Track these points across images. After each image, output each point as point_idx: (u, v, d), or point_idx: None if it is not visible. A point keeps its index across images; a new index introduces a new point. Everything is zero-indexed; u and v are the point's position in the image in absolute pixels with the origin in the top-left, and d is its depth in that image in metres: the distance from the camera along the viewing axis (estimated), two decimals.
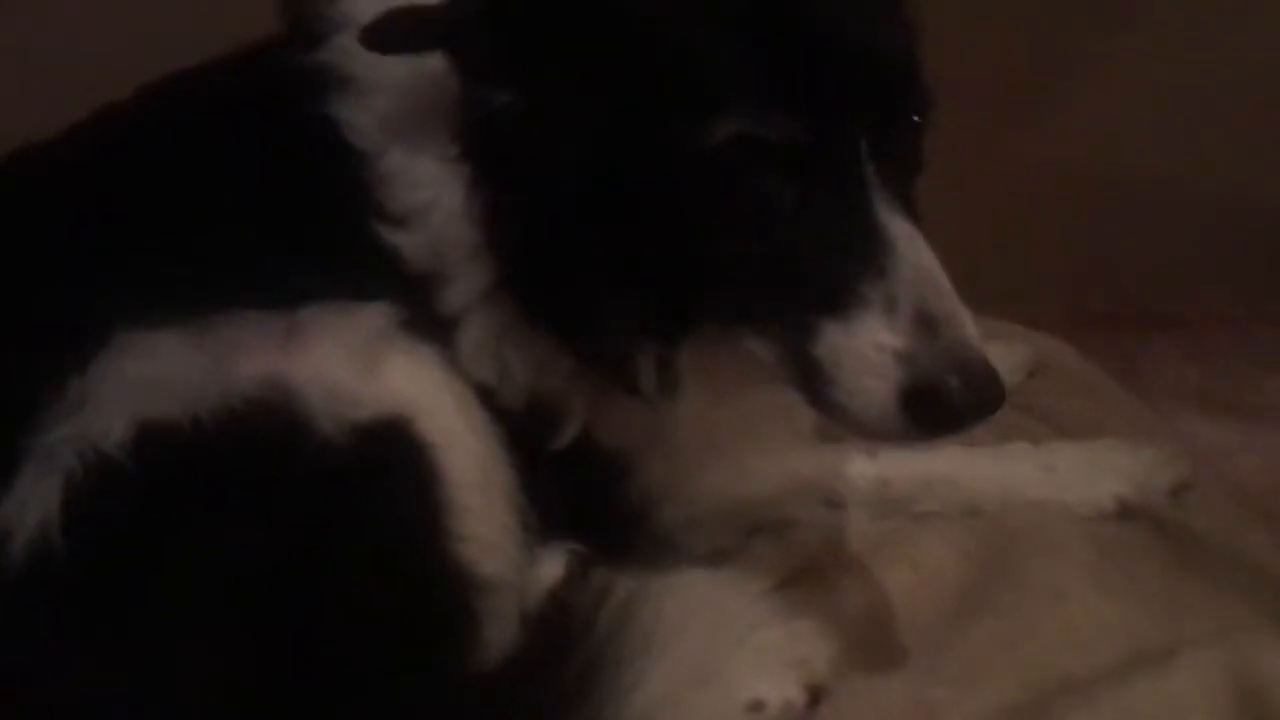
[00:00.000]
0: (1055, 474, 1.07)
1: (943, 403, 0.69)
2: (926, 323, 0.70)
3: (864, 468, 1.04)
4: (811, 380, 0.73)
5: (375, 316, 0.79)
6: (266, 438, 0.73)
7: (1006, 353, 1.24)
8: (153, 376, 0.72)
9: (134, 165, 0.83)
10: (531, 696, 0.76)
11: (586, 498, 0.90)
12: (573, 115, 0.74)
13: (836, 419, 0.74)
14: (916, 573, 0.99)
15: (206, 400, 0.72)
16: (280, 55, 0.85)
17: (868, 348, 0.70)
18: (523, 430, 0.84)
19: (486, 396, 0.83)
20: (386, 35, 0.75)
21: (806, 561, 1.00)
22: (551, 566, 0.89)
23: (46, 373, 0.71)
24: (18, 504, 0.68)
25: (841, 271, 0.71)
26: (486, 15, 0.75)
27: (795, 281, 0.73)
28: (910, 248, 0.72)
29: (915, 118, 0.78)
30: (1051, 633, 0.92)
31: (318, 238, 0.82)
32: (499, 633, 0.79)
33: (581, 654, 0.77)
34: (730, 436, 0.95)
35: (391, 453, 0.76)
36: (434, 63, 0.77)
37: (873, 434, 0.74)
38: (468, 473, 0.78)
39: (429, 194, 0.81)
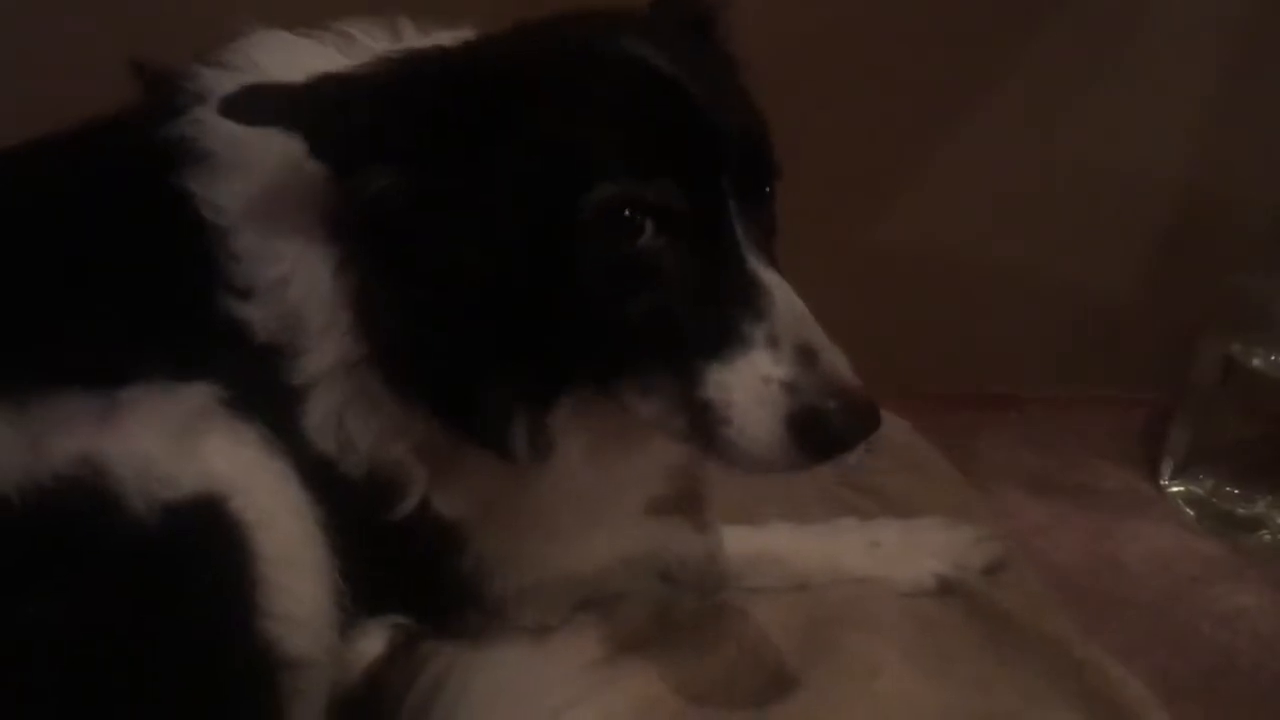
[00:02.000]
0: (880, 550, 1.12)
1: (826, 427, 0.74)
2: (806, 355, 0.76)
3: (694, 543, 1.07)
4: (701, 424, 0.77)
5: (197, 395, 0.80)
6: (76, 515, 0.74)
7: None
8: None
9: None
10: None
11: (419, 569, 0.92)
12: (459, 195, 0.78)
13: (728, 458, 0.78)
14: (739, 647, 1.03)
15: (15, 477, 0.73)
16: (139, 126, 0.86)
17: (755, 381, 0.75)
18: (361, 500, 0.86)
19: (327, 466, 0.84)
20: (245, 108, 0.77)
21: (634, 635, 1.03)
22: (372, 642, 0.91)
23: None
24: None
25: (722, 317, 0.77)
26: (342, 101, 0.77)
27: (679, 332, 0.77)
28: (782, 292, 0.78)
29: (768, 187, 0.85)
30: (863, 709, 0.95)
31: (156, 312, 0.83)
32: (305, 713, 0.80)
33: None
34: (564, 510, 0.97)
35: (203, 531, 0.77)
36: (295, 143, 0.79)
37: (765, 465, 0.77)
38: (281, 551, 0.79)
39: (284, 269, 0.83)
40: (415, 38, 0.94)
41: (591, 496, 0.97)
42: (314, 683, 0.81)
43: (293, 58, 0.88)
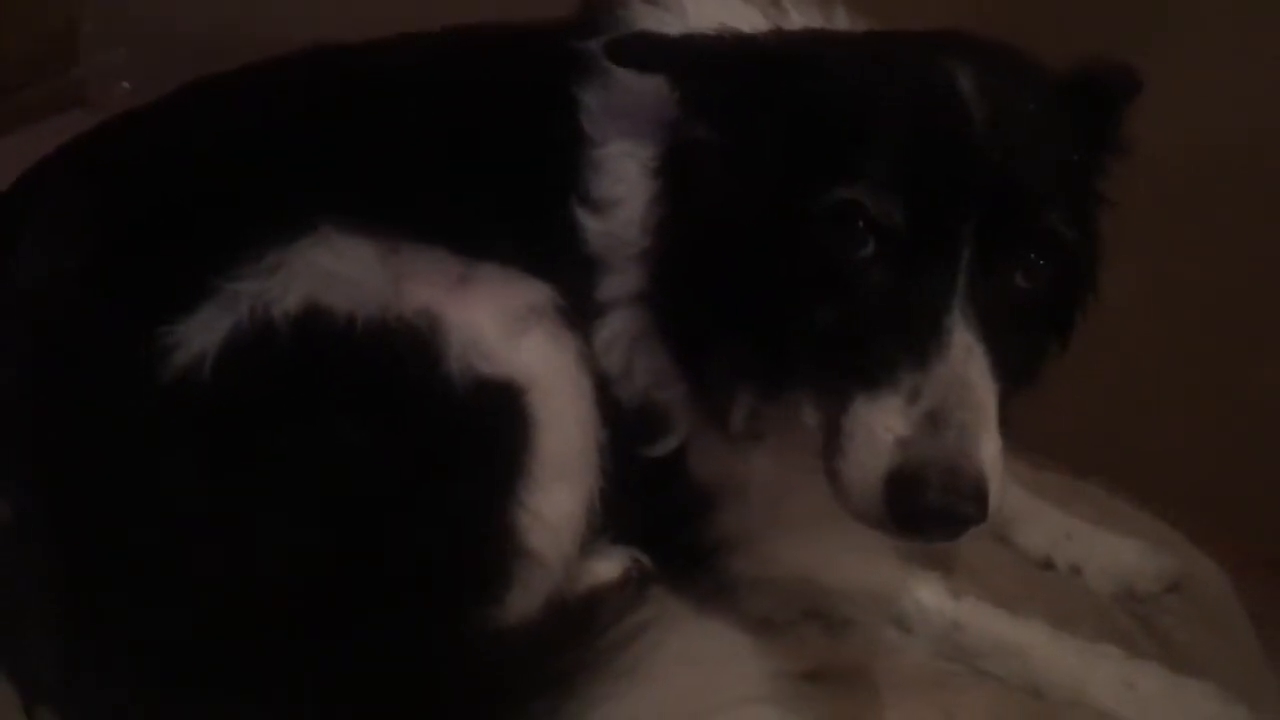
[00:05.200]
0: (1134, 693, 1.03)
1: (918, 495, 0.71)
2: (936, 422, 0.72)
3: (943, 603, 1.04)
4: (830, 447, 0.77)
5: (536, 293, 0.89)
6: (402, 356, 0.83)
7: (1150, 557, 1.20)
8: (336, 271, 0.83)
9: (403, 90, 0.96)
10: (518, 668, 0.83)
11: (668, 520, 0.97)
12: (743, 162, 0.83)
13: (834, 488, 0.77)
14: (940, 716, 1.00)
15: (369, 306, 0.83)
16: (563, 34, 0.96)
17: (878, 426, 0.73)
18: (628, 429, 0.92)
19: (606, 386, 0.91)
20: (625, 52, 0.87)
21: (848, 664, 1.03)
22: (609, 566, 0.96)
23: (257, 236, 0.83)
24: (192, 327, 0.81)
25: (889, 353, 0.75)
26: (709, 62, 0.84)
27: (851, 352, 0.77)
28: (961, 356, 0.74)
29: (1034, 256, 0.79)
30: None
31: (523, 202, 0.93)
32: (522, 601, 0.87)
33: (580, 652, 0.83)
34: (825, 520, 0.98)
35: (499, 411, 0.85)
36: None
37: (857, 513, 0.76)
38: (556, 455, 0.86)
39: (623, 191, 0.91)
40: (841, 20, 0.98)
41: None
42: (540, 580, 0.87)
43: (718, 10, 0.94)
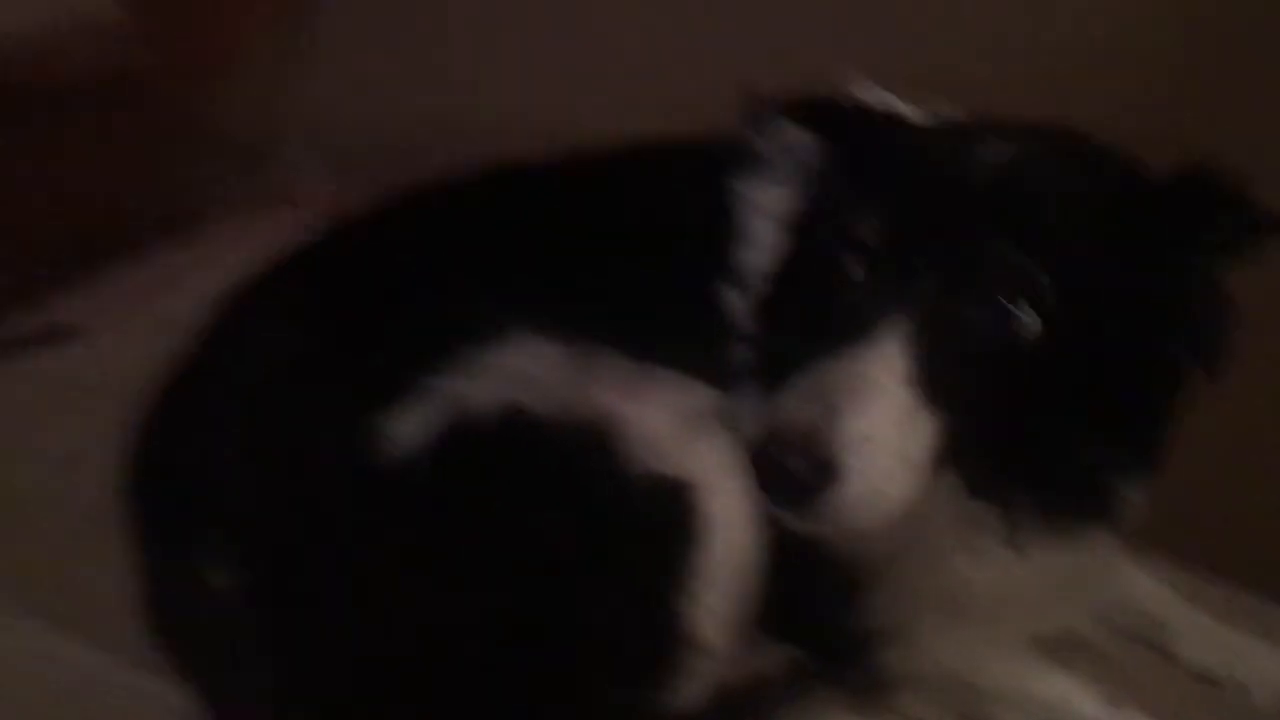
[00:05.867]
0: None
1: (764, 456, 0.80)
2: (809, 395, 0.80)
3: (1100, 713, 1.04)
4: None
5: (704, 398, 0.95)
6: (586, 454, 0.90)
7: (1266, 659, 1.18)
8: (527, 372, 0.91)
9: (582, 207, 1.05)
10: None
11: (819, 610, 1.00)
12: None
13: None
14: None
15: (558, 406, 0.90)
16: (727, 137, 1.03)
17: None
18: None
19: None
20: (799, 110, 0.96)
21: None
22: (768, 661, 1.01)
23: (459, 341, 0.92)
24: (404, 422, 0.89)
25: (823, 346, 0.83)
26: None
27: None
28: (869, 354, 0.80)
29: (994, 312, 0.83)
30: None
31: (691, 299, 1.00)
32: (691, 688, 0.91)
33: None
34: (975, 611, 1.00)
35: (672, 508, 0.90)
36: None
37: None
38: (724, 551, 0.91)
39: (760, 262, 0.99)
40: None
41: (1015, 613, 1.00)
42: (706, 669, 0.92)
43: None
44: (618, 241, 1.02)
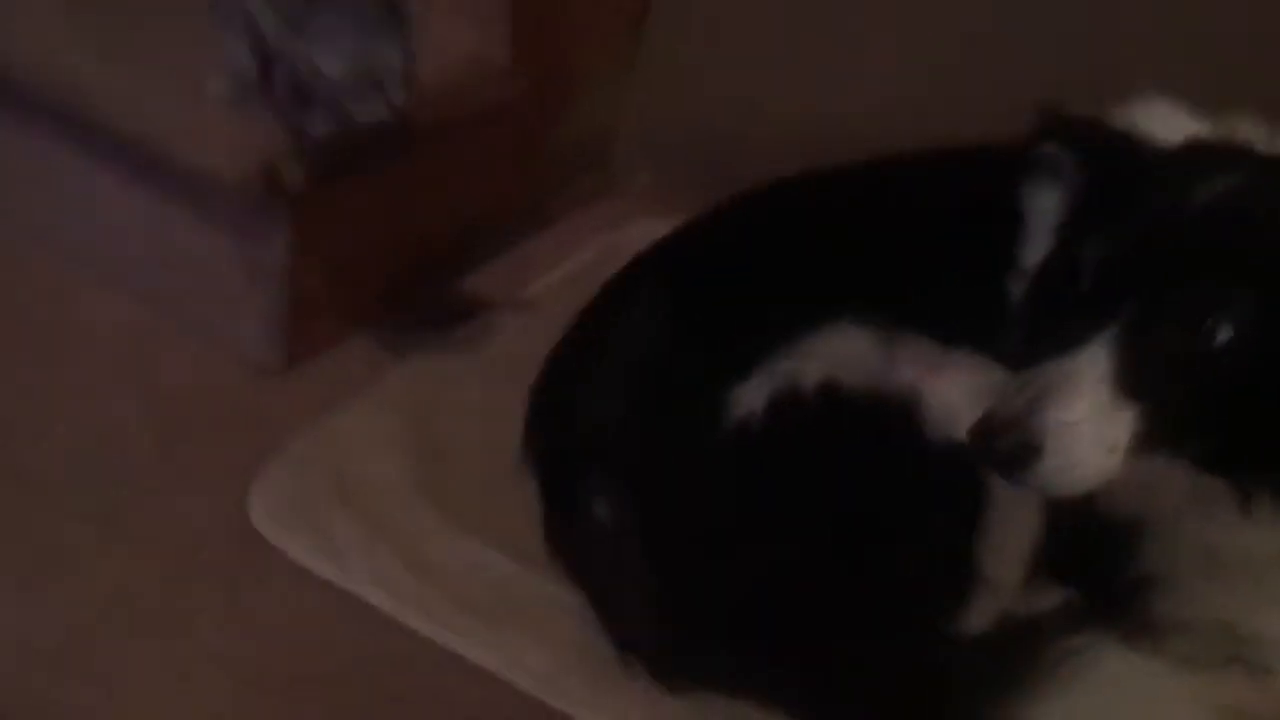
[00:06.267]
0: None
1: (981, 432, 0.97)
2: (1023, 391, 0.96)
3: None
4: None
5: (995, 375, 1.10)
6: (892, 421, 1.09)
7: None
8: (845, 354, 1.11)
9: (894, 209, 1.24)
10: (976, 668, 1.07)
11: (1095, 557, 1.15)
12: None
13: None
14: None
15: (870, 381, 1.10)
16: (1019, 146, 1.17)
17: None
18: None
19: None
20: (1055, 126, 1.11)
21: (1268, 711, 1.16)
22: (1048, 598, 1.16)
23: (796, 328, 1.13)
24: (746, 392, 1.12)
25: (1044, 351, 0.99)
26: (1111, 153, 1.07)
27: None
28: (1081, 360, 0.95)
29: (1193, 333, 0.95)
30: None
31: (985, 292, 1.16)
32: (978, 618, 1.09)
33: (1025, 662, 1.05)
34: (1234, 567, 1.13)
35: (967, 469, 1.07)
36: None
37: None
38: (1009, 507, 1.08)
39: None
40: None
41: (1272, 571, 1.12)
42: (994, 601, 1.09)
43: (1163, 125, 1.12)
44: (921, 239, 1.20)
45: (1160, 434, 0.98)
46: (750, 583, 1.10)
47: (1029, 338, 1.10)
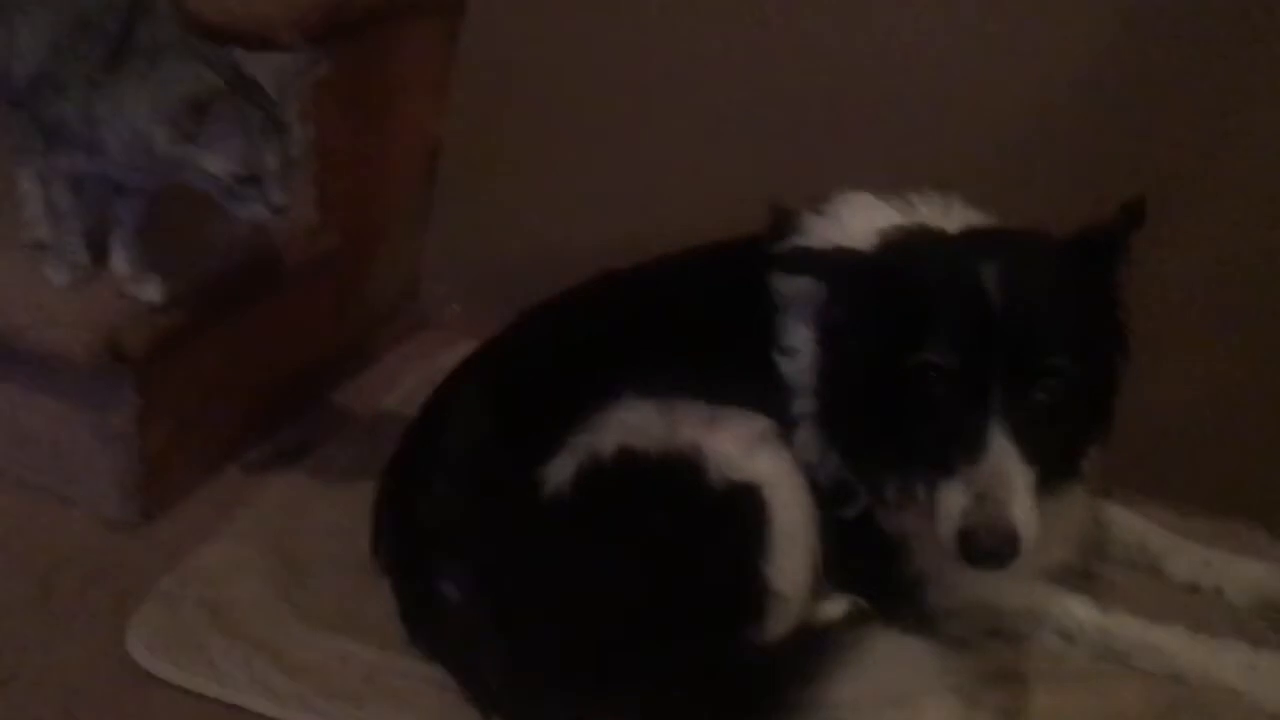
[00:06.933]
0: (1255, 673, 1.35)
1: (975, 544, 1.16)
2: (983, 499, 1.16)
3: (1093, 615, 1.41)
4: (933, 515, 1.21)
5: (760, 424, 1.34)
6: (679, 473, 1.30)
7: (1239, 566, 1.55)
8: (632, 423, 1.33)
9: (664, 298, 1.48)
10: (777, 668, 1.27)
11: (872, 567, 1.38)
12: (861, 333, 1.28)
13: (938, 541, 1.21)
14: (1103, 701, 1.35)
15: (656, 443, 1.32)
16: (761, 241, 1.42)
17: (951, 500, 1.18)
18: (828, 501, 1.35)
19: (809, 471, 1.34)
20: (788, 262, 1.36)
21: (1023, 668, 1.39)
22: (835, 606, 1.38)
23: (588, 407, 1.34)
24: (554, 467, 1.33)
25: (955, 454, 1.19)
26: (837, 269, 1.30)
27: (938, 454, 1.20)
28: (998, 455, 1.17)
29: (1047, 381, 1.20)
30: None
31: (745, 361, 1.39)
32: (776, 627, 1.30)
33: (818, 657, 1.26)
34: None
35: (745, 501, 1.29)
36: None
37: (944, 550, 1.20)
38: (787, 527, 1.30)
39: (800, 343, 1.37)
40: (956, 210, 1.40)
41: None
42: (785, 611, 1.30)
43: (864, 214, 1.40)
44: (686, 322, 1.44)
45: (1040, 478, 1.21)
46: (582, 625, 1.29)
47: (840, 419, 1.31)
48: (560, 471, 1.32)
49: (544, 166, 2.13)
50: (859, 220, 1.39)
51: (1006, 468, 1.17)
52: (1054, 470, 1.23)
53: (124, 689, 1.35)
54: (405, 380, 2.01)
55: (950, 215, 1.39)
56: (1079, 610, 1.41)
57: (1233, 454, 1.71)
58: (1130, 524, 1.59)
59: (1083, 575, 1.51)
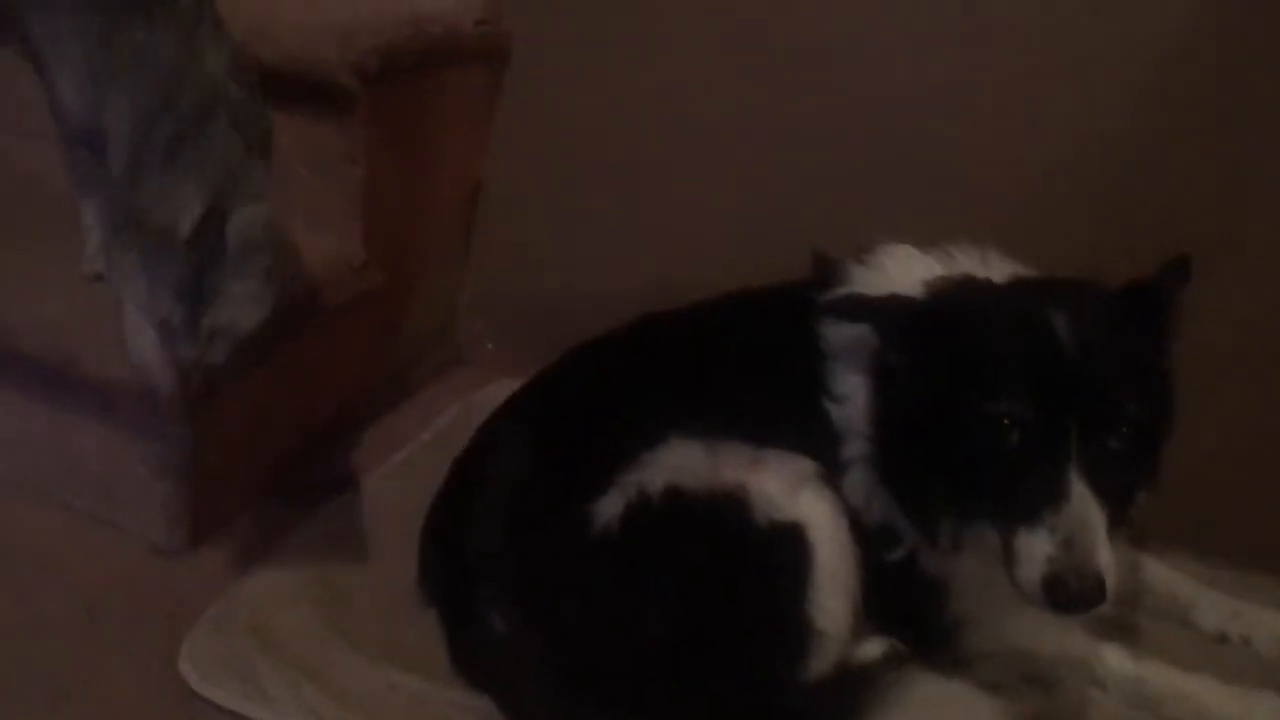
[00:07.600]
0: None
1: (1063, 591, 1.18)
2: (1069, 545, 1.18)
3: (1126, 664, 1.43)
4: (1009, 561, 1.22)
5: (806, 465, 1.37)
6: (725, 513, 1.33)
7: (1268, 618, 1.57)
8: (680, 463, 1.36)
9: (711, 342, 1.52)
10: (818, 707, 1.31)
11: (911, 610, 1.41)
12: (922, 381, 1.30)
13: (1012, 583, 1.22)
14: None
15: (702, 483, 1.35)
16: (807, 288, 1.46)
17: (1034, 548, 1.19)
18: (873, 544, 1.38)
19: (856, 513, 1.37)
20: (838, 309, 1.38)
21: (1058, 714, 1.42)
22: (875, 647, 1.41)
23: (636, 447, 1.38)
24: (604, 505, 1.35)
25: (1037, 502, 1.20)
26: (892, 316, 1.33)
27: (1015, 501, 1.22)
28: (1079, 501, 1.19)
29: (1120, 429, 1.22)
30: None
31: (792, 405, 1.43)
32: (818, 666, 1.33)
33: (860, 695, 1.29)
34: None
35: (790, 541, 1.32)
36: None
37: (1026, 598, 1.21)
38: (830, 566, 1.33)
39: (851, 389, 1.40)
40: (994, 261, 1.44)
41: None
42: (828, 650, 1.33)
43: (906, 266, 1.44)
44: (734, 367, 1.48)
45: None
46: (630, 659, 1.32)
47: (902, 465, 1.33)
48: (609, 509, 1.35)
49: (581, 210, 2.20)
50: (902, 271, 1.43)
51: (1089, 514, 1.19)
52: (1115, 518, 1.26)
53: (174, 712, 1.38)
54: (441, 417, 2.05)
55: (989, 266, 1.43)
56: (1112, 658, 1.44)
57: (1260, 506, 1.74)
58: (1159, 573, 1.62)
59: (1115, 624, 1.53)
